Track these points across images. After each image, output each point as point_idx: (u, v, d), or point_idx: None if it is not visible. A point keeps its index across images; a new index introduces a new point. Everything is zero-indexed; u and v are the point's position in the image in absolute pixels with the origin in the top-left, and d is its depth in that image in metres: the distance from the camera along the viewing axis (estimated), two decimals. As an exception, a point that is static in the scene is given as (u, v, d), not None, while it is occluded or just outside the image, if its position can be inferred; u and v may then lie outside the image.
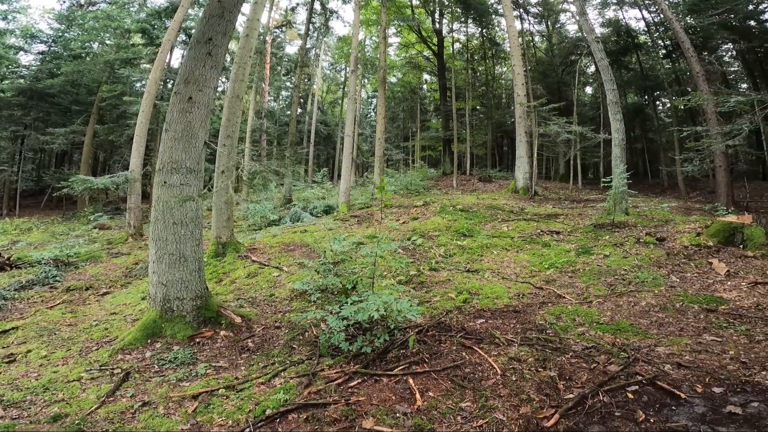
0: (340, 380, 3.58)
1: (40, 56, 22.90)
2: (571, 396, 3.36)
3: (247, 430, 3.03)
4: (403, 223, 9.70)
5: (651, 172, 26.33)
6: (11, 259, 10.11)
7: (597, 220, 10.42)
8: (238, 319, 5.08)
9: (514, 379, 3.70)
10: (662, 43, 23.11)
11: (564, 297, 6.18)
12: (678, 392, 3.27)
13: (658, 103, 27.14)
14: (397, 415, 3.17)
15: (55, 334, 5.83)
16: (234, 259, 7.66)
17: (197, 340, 4.75)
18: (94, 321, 6.27)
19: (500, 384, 3.61)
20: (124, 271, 9.31)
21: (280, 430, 3.04)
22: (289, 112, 20.27)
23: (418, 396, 3.38)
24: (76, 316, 6.70)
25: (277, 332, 4.84)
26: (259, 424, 3.08)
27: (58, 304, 7.52)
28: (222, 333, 4.83)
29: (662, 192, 21.05)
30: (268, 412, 3.21)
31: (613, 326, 4.87)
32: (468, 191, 16.27)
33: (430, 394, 3.45)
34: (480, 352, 4.14)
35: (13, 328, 6.19)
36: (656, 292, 5.87)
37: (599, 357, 4.09)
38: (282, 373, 3.87)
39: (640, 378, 3.51)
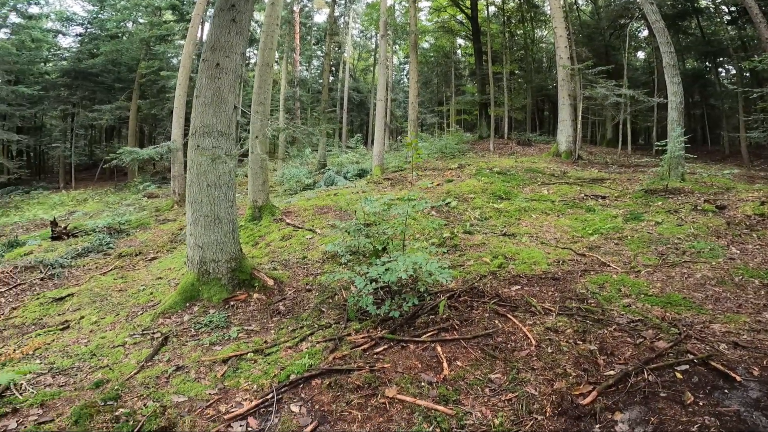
0: (366, 346, 3.45)
1: (79, 38, 23.72)
2: (611, 373, 3.05)
3: (270, 395, 2.99)
4: (437, 185, 9.33)
5: (711, 140, 24.11)
6: (68, 228, 10.68)
7: (648, 185, 9.54)
8: (270, 282, 5.07)
9: (549, 351, 3.42)
10: (726, 9, 20.42)
11: (609, 265, 5.71)
12: (732, 374, 2.88)
13: (720, 69, 24.57)
14: (422, 384, 3.00)
15: (106, 299, 6.09)
16: (269, 222, 7.71)
17: (231, 303, 4.79)
18: (141, 286, 6.49)
19: (534, 356, 3.35)
20: (170, 237, 9.62)
21: (303, 395, 2.98)
22: (321, 80, 19.83)
23: (445, 365, 3.19)
24: (125, 282, 6.97)
25: (308, 295, 4.78)
26: (283, 389, 3.04)
27: (111, 270, 7.83)
28: (255, 296, 4.85)
29: (723, 159, 19.07)
30: (292, 377, 3.16)
31: (663, 299, 4.41)
32: (506, 155, 15.45)
33: (458, 363, 3.25)
34: (514, 320, 3.86)
35: (69, 295, 6.51)
36: (713, 264, 5.27)
37: (646, 332, 3.71)
38: (309, 338, 3.80)
39: (691, 357, 3.13)
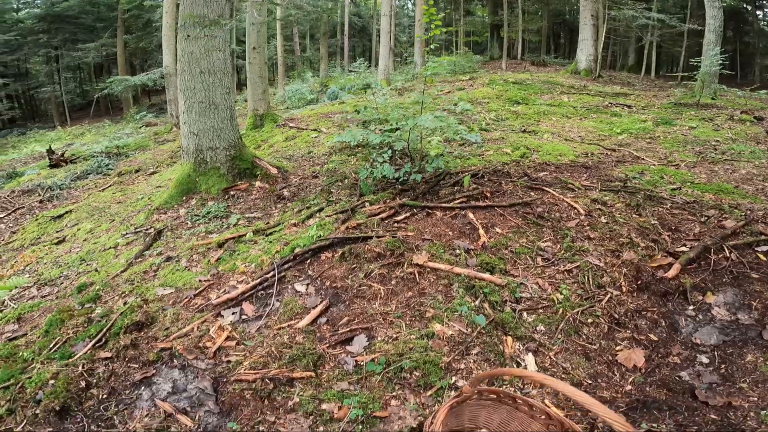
0: (384, 215, 2.88)
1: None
2: (683, 249, 2.51)
3: (271, 273, 2.43)
4: (448, 92, 8.45)
5: (740, 76, 22.58)
6: (65, 155, 10.22)
7: (678, 99, 8.79)
8: (273, 170, 4.50)
9: (603, 221, 2.86)
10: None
11: (643, 159, 5.06)
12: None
13: (759, 13, 22.41)
14: (457, 251, 2.46)
15: (104, 211, 5.68)
16: (272, 128, 7.05)
17: (232, 192, 4.28)
18: (140, 195, 6.04)
19: (586, 225, 2.80)
20: (170, 154, 9.12)
21: (310, 272, 2.43)
22: (320, 3, 17.96)
23: (481, 232, 2.64)
24: (124, 194, 6.55)
25: (315, 181, 4.21)
26: (286, 266, 2.48)
27: (110, 186, 7.42)
28: (257, 184, 4.30)
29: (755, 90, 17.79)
30: (298, 251, 2.58)
31: (713, 187, 3.89)
32: (519, 72, 14.21)
33: (498, 230, 2.70)
34: (552, 192, 3.28)
35: (67, 212, 6.12)
36: (756, 163, 4.83)
37: (708, 211, 3.18)
38: (317, 214, 3.24)
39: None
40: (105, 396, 1.90)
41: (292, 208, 3.64)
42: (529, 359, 1.70)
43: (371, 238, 2.56)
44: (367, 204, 3.10)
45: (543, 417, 1.28)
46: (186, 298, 2.47)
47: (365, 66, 12.62)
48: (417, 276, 2.17)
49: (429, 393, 1.63)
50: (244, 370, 1.83)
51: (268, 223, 3.38)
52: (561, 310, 1.96)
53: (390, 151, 3.11)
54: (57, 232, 5.41)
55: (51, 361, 2.19)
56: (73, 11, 20.98)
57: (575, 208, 3.00)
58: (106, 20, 21.76)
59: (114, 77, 13.17)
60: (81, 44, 21.03)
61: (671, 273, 2.19)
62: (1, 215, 6.68)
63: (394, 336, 1.82)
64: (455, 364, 1.69)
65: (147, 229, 3.99)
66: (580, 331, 1.86)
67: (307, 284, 2.31)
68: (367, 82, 10.63)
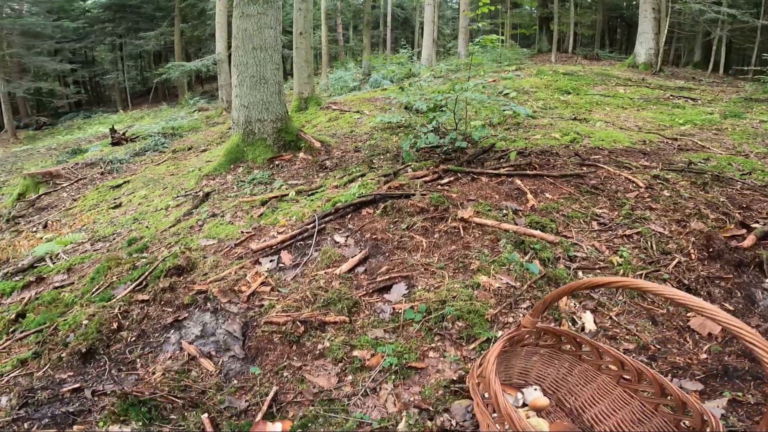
0: (427, 178, 2.76)
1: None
2: (758, 226, 2.22)
3: (312, 225, 2.40)
4: (493, 81, 8.14)
5: None
6: (126, 134, 11.03)
7: (749, 95, 8.02)
8: (317, 144, 4.58)
9: (666, 194, 2.60)
10: None
11: (709, 148, 4.61)
12: None
13: None
14: (504, 211, 2.30)
15: (158, 181, 5.99)
16: (316, 111, 7.14)
17: (276, 162, 4.43)
18: (191, 168, 6.30)
19: (647, 198, 2.54)
20: (219, 135, 9.51)
21: (350, 225, 2.37)
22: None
23: (530, 196, 2.46)
24: (177, 168, 6.86)
25: (357, 154, 4.18)
26: (326, 218, 2.44)
27: (164, 161, 7.81)
28: (301, 155, 4.39)
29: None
30: (339, 205, 2.54)
31: None
32: (570, 65, 13.53)
33: (548, 195, 2.51)
34: (608, 168, 3.02)
35: (124, 182, 6.53)
36: None
37: None
38: (359, 179, 3.17)
39: None
40: (133, 339, 1.91)
41: (334, 175, 3.61)
42: (587, 317, 1.53)
43: (414, 195, 2.45)
44: (410, 169, 3.00)
45: (614, 368, 1.11)
46: (227, 247, 2.48)
47: (408, 56, 12.47)
48: (461, 230, 2.04)
49: (472, 346, 1.50)
50: (276, 313, 1.78)
51: (310, 187, 3.37)
52: (622, 272, 1.77)
53: (435, 122, 2.98)
54: (114, 199, 5.74)
55: (90, 304, 2.24)
56: (135, 1, 22.29)
57: (634, 182, 2.75)
58: (164, 9, 23.04)
59: (171, 63, 13.87)
60: (142, 33, 22.39)
61: (746, 243, 1.94)
62: (65, 185, 7.19)
63: (436, 285, 1.70)
64: (502, 318, 1.55)
65: (196, 192, 4.18)
66: (644, 294, 1.66)
67: (347, 236, 2.24)
68: (411, 72, 10.50)
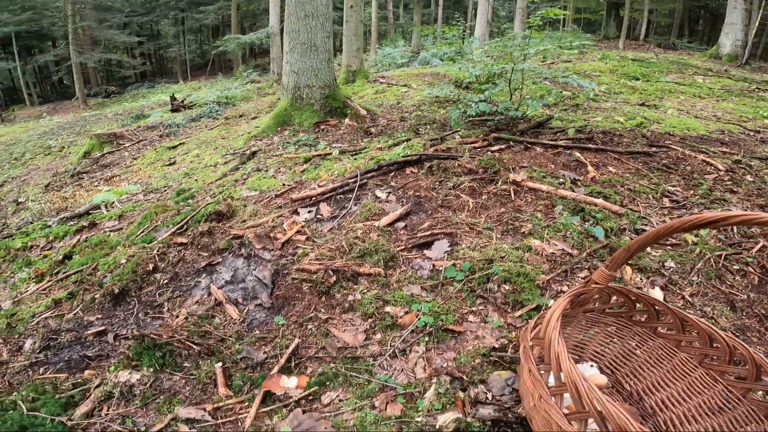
0: (476, 144, 2.57)
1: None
2: None
3: (353, 179, 2.32)
4: (552, 63, 7.59)
5: None
6: (184, 102, 11.66)
7: None
8: (363, 111, 4.56)
9: (749, 179, 2.25)
10: None
11: (801, 143, 4.01)
12: None
13: None
14: (561, 179, 2.08)
15: (210, 143, 6.23)
16: (363, 84, 7.04)
17: (322, 127, 4.47)
18: (241, 132, 6.47)
19: (727, 180, 2.22)
20: (269, 104, 9.74)
21: (393, 183, 2.26)
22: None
23: (591, 168, 2.21)
24: (228, 132, 7.09)
25: (403, 123, 4.07)
26: (369, 174, 2.35)
27: (217, 126, 8.09)
28: (346, 122, 4.37)
29: None
30: (382, 163, 2.43)
31: None
32: (640, 52, 12.43)
33: (611, 169, 2.25)
34: (678, 148, 2.68)
35: (180, 144, 6.85)
36: None
37: None
38: (404, 143, 3.03)
39: None
40: (166, 281, 1.90)
41: (378, 140, 3.50)
42: (657, 293, 1.33)
43: (462, 156, 2.29)
44: (457, 136, 2.81)
45: (697, 343, 0.92)
46: (267, 198, 2.46)
47: (459, 34, 11.96)
48: (512, 194, 1.86)
49: (518, 313, 1.35)
50: (309, 260, 1.70)
51: (354, 148, 3.28)
52: (699, 251, 1.53)
53: (487, 93, 2.76)
54: (169, 158, 6.02)
55: (132, 246, 2.29)
56: (197, -24, 23.03)
57: (712, 164, 2.42)
58: (224, -16, 23.61)
59: (228, 36, 14.25)
60: (202, 7, 23.18)
61: None
62: (127, 145, 7.64)
63: (482, 245, 1.55)
64: (555, 285, 1.37)
65: (243, 151, 4.30)
66: (723, 277, 1.42)
67: (389, 192, 2.13)
68: (462, 52, 10.07)
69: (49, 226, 3.33)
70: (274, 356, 1.38)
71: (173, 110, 10.96)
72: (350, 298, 1.54)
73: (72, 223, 3.34)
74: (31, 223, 3.82)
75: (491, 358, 1.25)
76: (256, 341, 1.44)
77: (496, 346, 1.28)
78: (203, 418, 1.30)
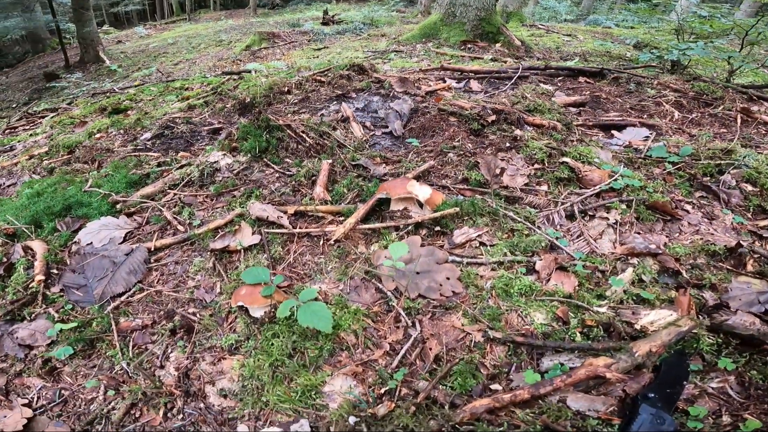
0: (673, 85, 1.89)
1: None
2: None
3: (514, 70, 1.89)
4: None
5: None
6: (334, 17, 11.98)
7: None
8: (517, 42, 3.98)
9: None
10: None
11: None
12: None
13: None
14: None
15: (351, 48, 6.27)
16: (517, 26, 6.31)
17: (469, 46, 4.11)
18: (382, 46, 6.48)
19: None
20: (410, 29, 9.52)
21: (561, 84, 1.73)
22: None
23: None
24: (369, 44, 7.15)
25: (564, 62, 3.38)
26: (533, 70, 1.96)
27: (359, 39, 8.20)
28: (497, 47, 3.93)
29: None
30: (552, 64, 1.94)
31: None
32: None
33: None
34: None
35: (324, 47, 7.08)
36: None
37: None
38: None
39: None
40: (296, 101, 1.73)
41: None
42: None
43: (662, 73, 1.68)
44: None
45: None
46: (411, 71, 2.15)
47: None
48: (737, 120, 1.28)
49: (763, 222, 0.87)
50: (462, 101, 1.35)
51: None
52: None
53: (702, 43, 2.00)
54: (314, 55, 6.22)
55: (274, 76, 2.20)
56: None
57: None
58: None
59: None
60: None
61: None
62: (281, 44, 8.13)
63: (705, 143, 1.05)
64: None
65: (384, 50, 4.23)
66: None
67: (556, 88, 1.65)
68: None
69: (206, 77, 3.73)
70: (395, 174, 1.09)
71: (323, 23, 11.52)
72: (514, 134, 1.15)
73: (226, 78, 3.55)
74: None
75: (722, 262, 0.82)
76: (378, 157, 1.17)
77: (733, 245, 0.83)
78: (278, 221, 1.08)
